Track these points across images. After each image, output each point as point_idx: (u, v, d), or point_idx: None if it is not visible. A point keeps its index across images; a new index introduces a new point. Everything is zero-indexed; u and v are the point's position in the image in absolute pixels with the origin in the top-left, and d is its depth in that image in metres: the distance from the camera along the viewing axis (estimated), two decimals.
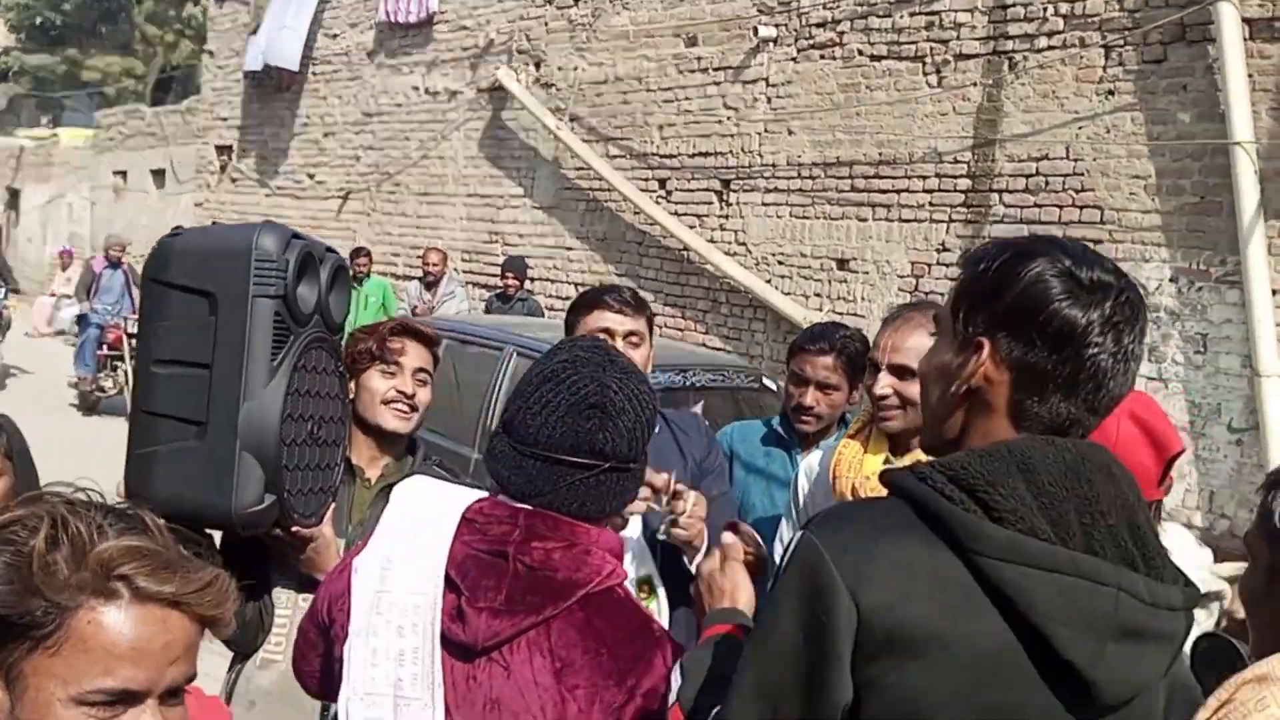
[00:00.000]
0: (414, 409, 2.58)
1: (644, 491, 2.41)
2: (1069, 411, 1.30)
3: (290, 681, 2.34)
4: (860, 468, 2.57)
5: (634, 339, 2.72)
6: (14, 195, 24.66)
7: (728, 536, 1.83)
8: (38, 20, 33.30)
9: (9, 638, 1.12)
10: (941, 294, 7.30)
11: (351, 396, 2.54)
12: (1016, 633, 1.21)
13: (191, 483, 2.05)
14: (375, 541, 1.76)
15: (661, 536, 2.59)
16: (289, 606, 2.43)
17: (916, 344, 2.53)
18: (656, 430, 2.75)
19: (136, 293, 11.31)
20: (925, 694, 1.21)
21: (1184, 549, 1.92)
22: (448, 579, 1.65)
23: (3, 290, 13.13)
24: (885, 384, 2.53)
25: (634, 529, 2.64)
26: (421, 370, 2.62)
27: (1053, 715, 1.23)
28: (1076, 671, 1.21)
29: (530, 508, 1.67)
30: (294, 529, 2.23)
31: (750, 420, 3.76)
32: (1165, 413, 1.96)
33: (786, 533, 2.93)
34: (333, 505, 2.38)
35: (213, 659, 2.52)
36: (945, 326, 1.39)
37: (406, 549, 1.70)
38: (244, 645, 2.42)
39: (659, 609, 2.69)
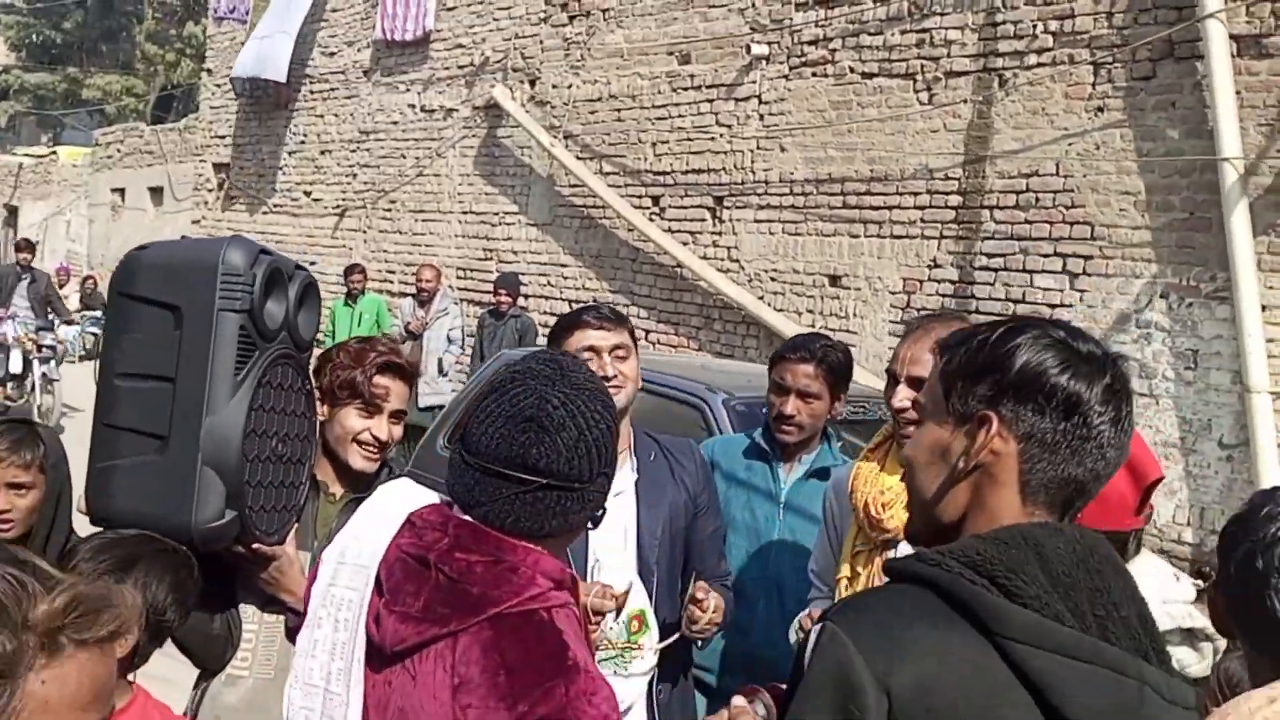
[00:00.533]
0: (384, 450, 2.53)
1: (595, 619, 2.35)
2: (1076, 478, 1.30)
3: (257, 696, 2.32)
4: (878, 482, 2.54)
5: (620, 352, 2.70)
6: (12, 213, 24.72)
7: (739, 701, 1.73)
8: (38, 39, 33.44)
9: None
10: (933, 310, 7.30)
11: (323, 419, 2.50)
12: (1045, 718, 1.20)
13: (151, 497, 2.04)
14: (340, 535, 1.76)
15: (679, 633, 2.61)
16: (255, 623, 2.41)
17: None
18: (651, 458, 2.76)
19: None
20: None
21: (1163, 583, 1.84)
22: (376, 579, 1.63)
23: (54, 321, 12.39)
24: (904, 396, 2.48)
25: (628, 565, 2.63)
26: (398, 412, 2.55)
27: None
28: None
29: (464, 518, 1.64)
30: (255, 546, 2.21)
31: (732, 435, 3.75)
32: (1143, 440, 1.92)
33: (818, 555, 2.92)
34: (296, 524, 2.36)
35: (182, 670, 2.51)
36: (932, 409, 1.38)
37: (360, 546, 1.69)
38: (211, 661, 2.39)
39: (649, 642, 2.67)
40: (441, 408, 8.61)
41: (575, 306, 2.98)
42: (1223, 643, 1.88)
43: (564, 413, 1.65)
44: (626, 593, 2.45)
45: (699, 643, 2.68)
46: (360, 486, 2.55)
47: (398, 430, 2.54)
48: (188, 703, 2.44)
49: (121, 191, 19.26)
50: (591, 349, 2.66)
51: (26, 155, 25.99)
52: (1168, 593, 1.83)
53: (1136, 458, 1.86)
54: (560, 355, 1.85)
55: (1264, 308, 5.79)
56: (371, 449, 2.49)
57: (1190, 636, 1.85)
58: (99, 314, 12.98)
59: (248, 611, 2.42)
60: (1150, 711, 1.20)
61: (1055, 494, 1.31)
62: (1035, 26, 6.83)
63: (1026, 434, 1.30)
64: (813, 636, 1.26)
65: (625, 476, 2.72)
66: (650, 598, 2.64)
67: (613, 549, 2.61)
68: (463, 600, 1.56)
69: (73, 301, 18.46)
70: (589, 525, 1.81)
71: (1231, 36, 5.89)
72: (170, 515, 2.02)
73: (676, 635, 2.61)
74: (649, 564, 2.65)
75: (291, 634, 2.38)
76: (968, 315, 7.05)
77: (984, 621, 1.20)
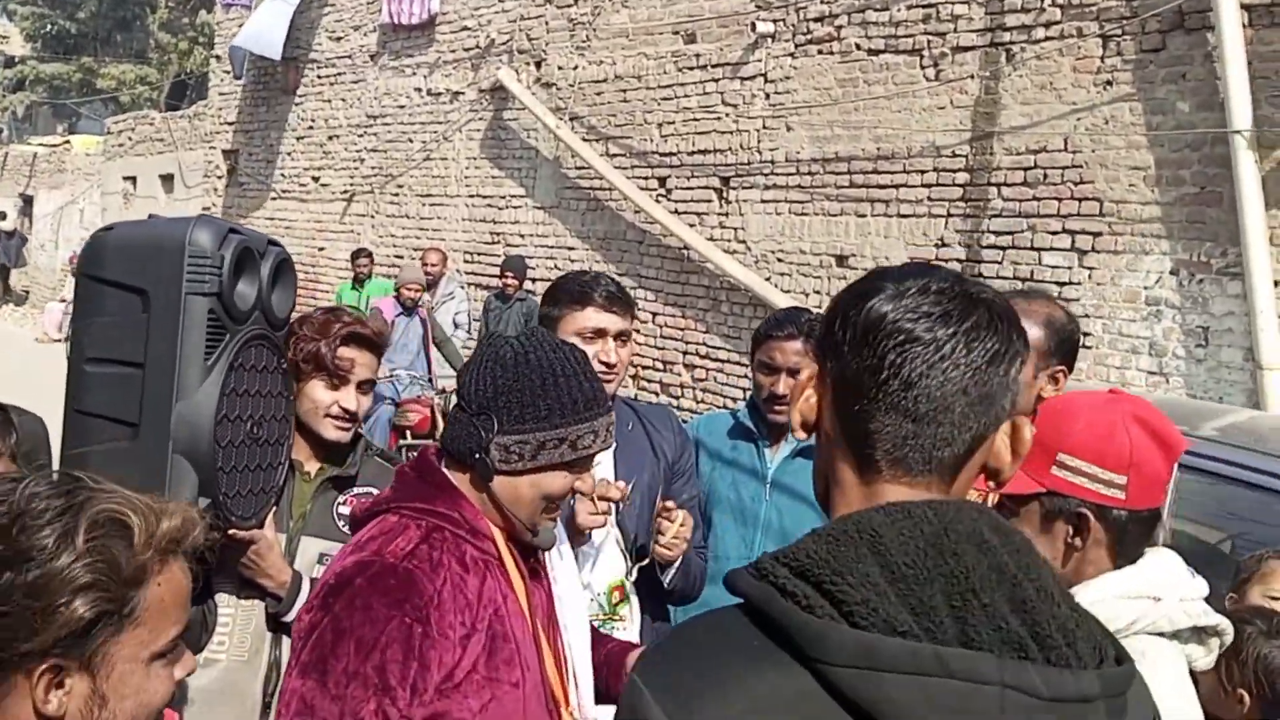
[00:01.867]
0: (355, 420, 2.51)
1: (603, 505, 2.38)
2: (890, 423, 1.11)
3: (230, 676, 2.32)
4: None
5: (623, 338, 2.66)
6: (27, 202, 24.83)
7: None
8: (53, 29, 33.51)
9: (100, 630, 1.23)
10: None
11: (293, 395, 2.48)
12: None
13: (123, 485, 2.00)
14: None
15: (646, 556, 2.57)
16: (231, 607, 2.39)
17: None
18: (629, 428, 2.72)
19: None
20: None
21: (1179, 580, 1.75)
22: None
23: None
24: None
25: (607, 535, 2.60)
26: (366, 382, 2.53)
27: None
28: None
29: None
30: (231, 532, 2.18)
31: (717, 412, 3.70)
32: (1161, 411, 1.82)
33: None
34: (275, 507, 2.33)
35: None
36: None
37: None
38: (190, 646, 2.37)
39: (631, 613, 2.64)
40: (446, 391, 8.59)
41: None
42: (1229, 636, 1.80)
43: (500, 349, 1.77)
44: (630, 489, 2.44)
45: (670, 575, 2.61)
46: (335, 459, 2.53)
47: (366, 400, 2.53)
48: None
49: (133, 180, 19.30)
50: (598, 331, 2.59)
51: (41, 145, 26.10)
52: (1184, 590, 1.75)
53: (1165, 432, 1.74)
54: (550, 335, 1.89)
55: (1276, 284, 5.69)
56: (342, 420, 2.47)
57: (1201, 633, 1.77)
58: None
59: (222, 598, 2.40)
60: (1013, 717, 0.98)
61: (883, 446, 1.12)
62: (1042, 0, 6.73)
63: (834, 378, 1.15)
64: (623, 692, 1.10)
65: (603, 457, 2.69)
66: (629, 567, 2.61)
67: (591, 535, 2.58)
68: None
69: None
70: (532, 533, 1.83)
71: (1242, 6, 5.77)
72: None
73: (647, 558, 2.58)
74: (629, 534, 2.61)
75: (271, 619, 2.36)
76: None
77: (800, 649, 1.00)
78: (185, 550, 1.32)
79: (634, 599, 2.66)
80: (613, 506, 2.61)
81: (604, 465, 2.68)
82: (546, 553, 1.96)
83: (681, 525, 2.54)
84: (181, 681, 2.38)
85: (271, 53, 13.53)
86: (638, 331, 9.29)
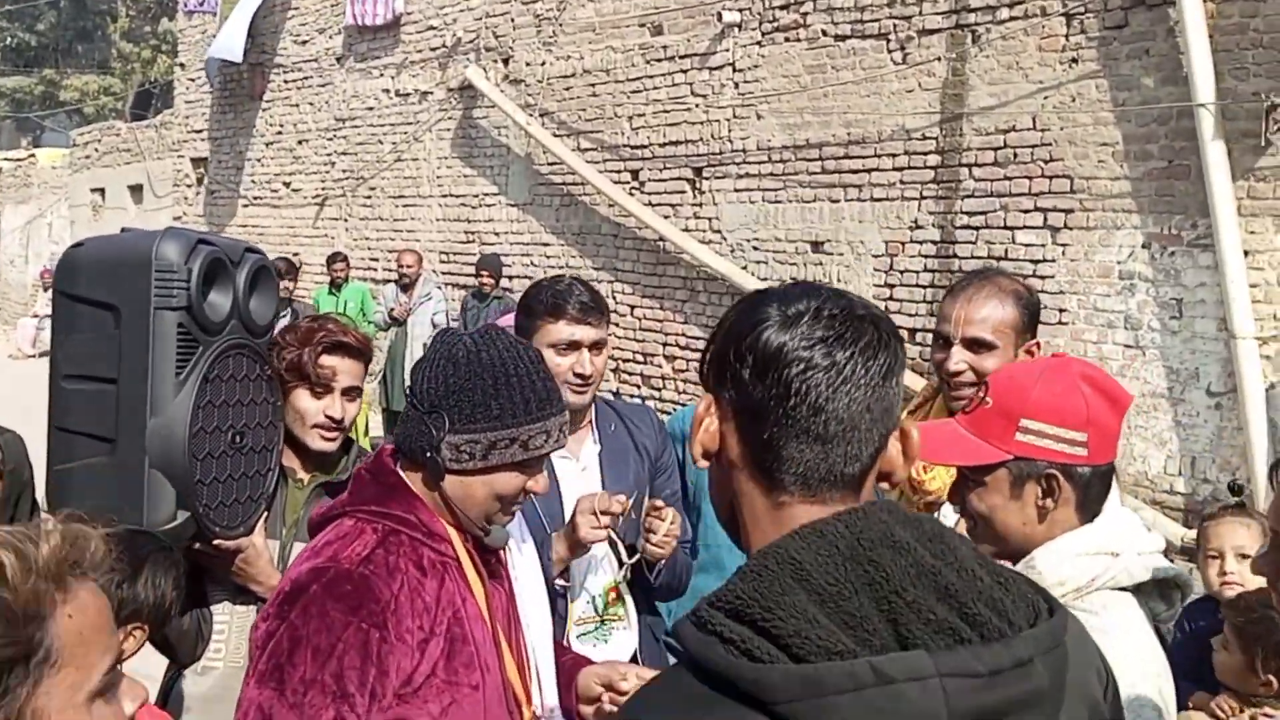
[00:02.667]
0: (342, 430, 2.51)
1: (604, 519, 2.38)
2: (799, 448, 1.14)
3: (228, 683, 2.32)
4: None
5: (599, 346, 2.63)
6: None
7: None
8: (12, 42, 33.21)
9: (13, 682, 1.09)
10: (916, 272, 7.27)
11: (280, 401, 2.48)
12: None
13: (105, 500, 2.00)
14: None
15: (636, 555, 2.58)
16: (227, 614, 2.41)
17: (991, 313, 2.44)
18: (612, 429, 2.73)
19: None
20: None
21: (1135, 536, 1.81)
22: None
23: None
24: (960, 359, 2.38)
25: (602, 548, 2.61)
26: (352, 388, 2.52)
27: None
28: None
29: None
30: (216, 543, 2.19)
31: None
32: (1103, 369, 1.88)
33: None
34: (266, 513, 2.34)
35: (150, 661, 2.49)
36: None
37: None
38: (183, 656, 2.39)
39: (627, 613, 2.66)
40: None
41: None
42: (1191, 588, 1.86)
43: (453, 346, 1.77)
44: (630, 501, 2.44)
45: (657, 571, 2.61)
46: (326, 468, 2.53)
47: (353, 408, 2.52)
48: (157, 692, 2.44)
49: (101, 191, 19.16)
50: (573, 344, 2.55)
51: (5, 159, 25.85)
52: (1141, 544, 1.80)
53: (1111, 388, 1.81)
54: (506, 333, 1.87)
55: (1246, 253, 5.75)
56: (328, 430, 2.47)
57: (1163, 585, 1.83)
58: None
59: (217, 606, 2.41)
60: (963, 701, 1.02)
61: (791, 469, 1.15)
62: None
63: (735, 408, 1.17)
64: None
65: (589, 450, 2.71)
66: (621, 568, 2.62)
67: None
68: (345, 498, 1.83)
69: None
70: (484, 533, 1.83)
71: None
72: (124, 518, 1.99)
73: (638, 556, 2.58)
74: (620, 536, 2.63)
75: None
76: (949, 275, 7.02)
77: (751, 695, 1.02)
78: (88, 570, 1.19)
79: (629, 599, 2.67)
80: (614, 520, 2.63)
81: (590, 466, 2.69)
82: (506, 551, 1.95)
83: (671, 524, 2.55)
84: (176, 690, 2.40)
85: (233, 56, 13.46)
86: (617, 325, 9.32)
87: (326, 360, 2.46)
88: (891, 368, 1.17)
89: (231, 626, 2.40)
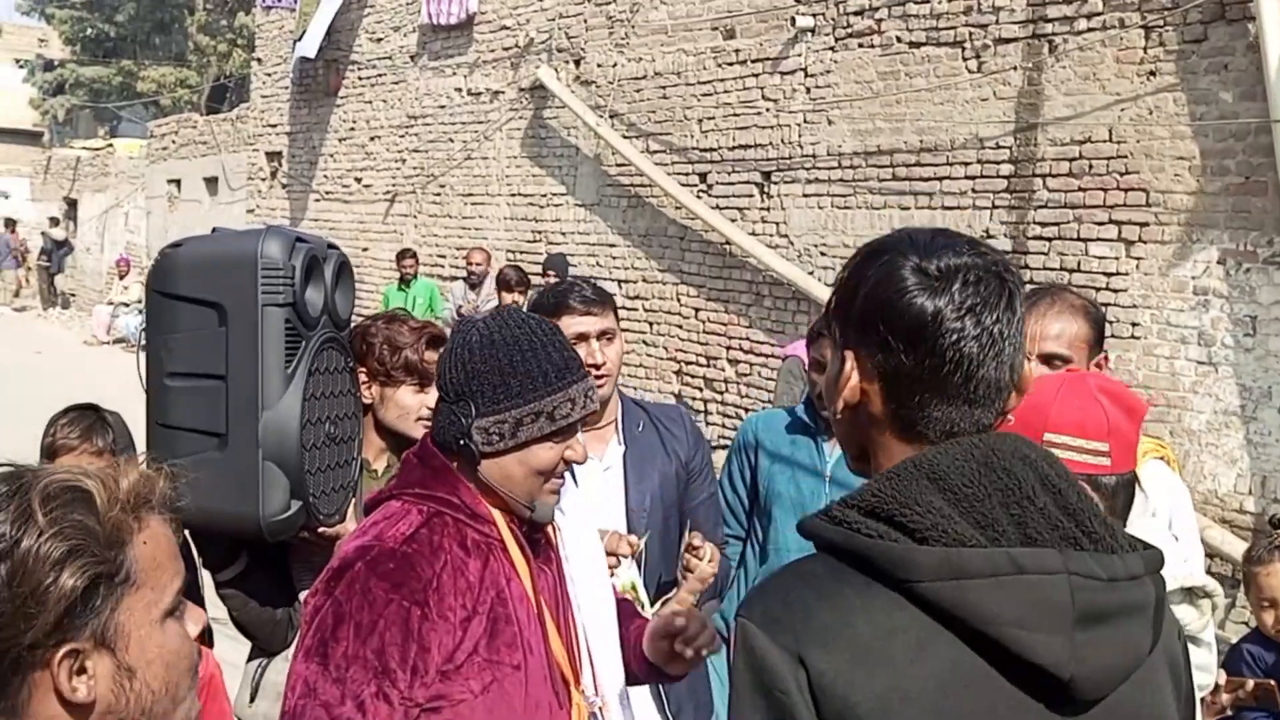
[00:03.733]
0: None
1: (611, 560, 2.38)
2: (947, 413, 1.22)
3: None
4: None
5: (607, 336, 2.67)
6: (71, 205, 25.19)
7: None
8: (92, 33, 33.91)
9: (101, 598, 1.18)
10: None
11: (369, 402, 2.55)
12: (979, 650, 1.12)
13: (216, 495, 2.06)
14: None
15: (672, 589, 2.59)
16: None
17: (1065, 328, 2.47)
18: (639, 429, 2.75)
19: None
20: None
21: (1161, 543, 1.85)
22: None
23: None
24: (1037, 375, 2.43)
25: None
26: None
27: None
28: (1049, 672, 1.12)
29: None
30: (320, 530, 2.26)
31: (773, 410, 3.76)
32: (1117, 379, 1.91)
33: None
34: (354, 499, 2.42)
35: (238, 648, 2.58)
36: (832, 339, 1.33)
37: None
38: (274, 644, 2.46)
39: (645, 614, 2.69)
40: None
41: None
42: (1220, 598, 1.90)
43: (467, 333, 1.82)
44: (645, 541, 2.47)
45: (699, 599, 2.62)
46: (400, 455, 2.62)
47: None
48: (243, 679, 2.51)
49: (177, 182, 19.54)
50: (580, 336, 2.60)
51: (84, 148, 26.45)
52: (1168, 553, 1.84)
53: (1128, 398, 1.86)
54: (518, 311, 1.92)
55: None
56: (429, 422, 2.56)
57: (1190, 595, 1.85)
58: None
59: (307, 594, 2.48)
60: (1086, 598, 1.13)
61: (934, 429, 1.22)
62: None
63: (882, 372, 1.23)
64: (732, 636, 1.22)
65: (613, 450, 2.72)
66: (640, 571, 2.62)
67: (605, 524, 2.60)
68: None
69: (134, 291, 18.81)
70: (530, 510, 1.85)
71: None
72: (239, 511, 2.06)
73: (675, 590, 2.60)
74: (644, 568, 2.63)
75: None
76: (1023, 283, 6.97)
77: (889, 573, 1.14)
78: (157, 506, 1.28)
79: (646, 601, 2.65)
80: (621, 510, 2.66)
81: (614, 467, 2.70)
82: (556, 532, 1.98)
83: (710, 562, 2.56)
84: (266, 679, 2.47)
85: (308, 53, 13.70)
86: (680, 327, 9.38)
87: (431, 355, 2.55)
88: (1022, 318, 1.25)
89: None
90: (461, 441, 1.79)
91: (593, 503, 2.52)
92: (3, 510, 1.17)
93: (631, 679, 2.08)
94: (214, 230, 2.41)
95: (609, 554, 2.36)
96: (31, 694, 1.16)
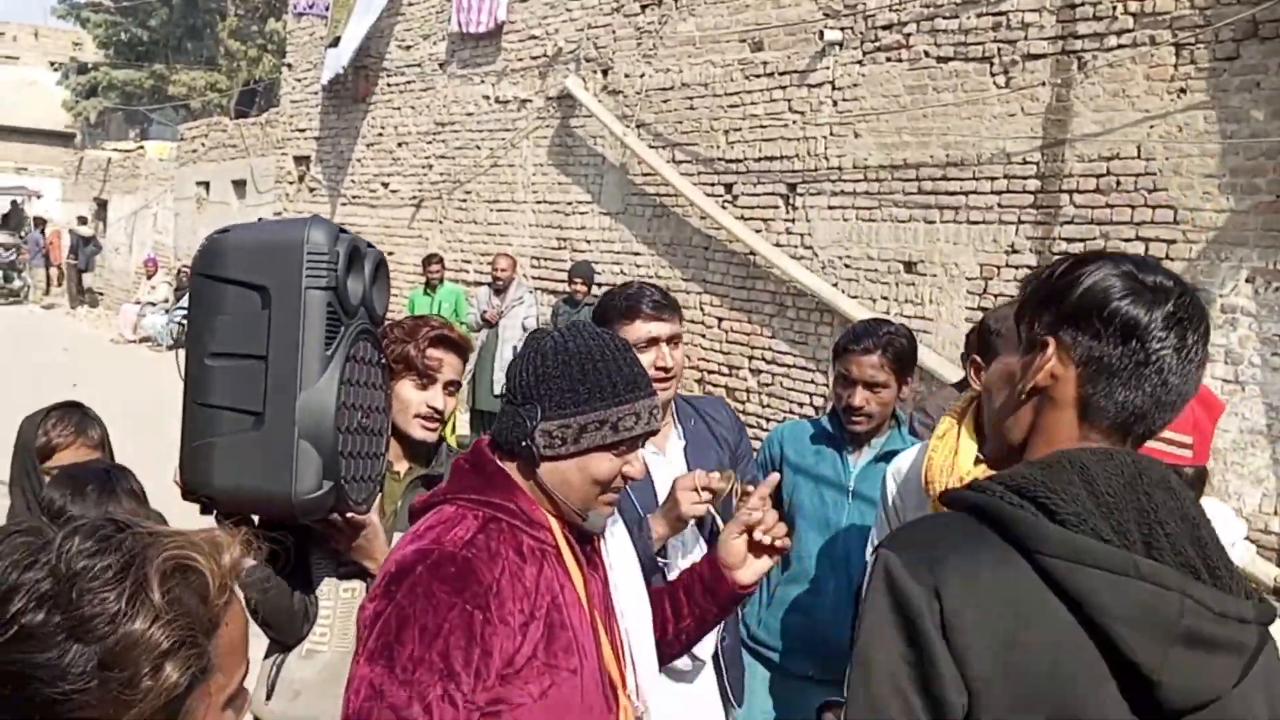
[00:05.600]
0: (442, 421, 2.61)
1: (705, 495, 2.44)
2: (1135, 404, 1.33)
3: (334, 670, 2.37)
4: (954, 470, 2.51)
5: (674, 341, 2.73)
6: (102, 206, 25.43)
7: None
8: (125, 36, 34.26)
9: (190, 690, 1.08)
10: (1010, 296, 7.22)
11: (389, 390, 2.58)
12: (1090, 633, 1.22)
13: (250, 472, 2.09)
14: None
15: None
16: (331, 597, 2.48)
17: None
18: (693, 424, 2.80)
19: None
20: (1007, 698, 1.22)
21: (1224, 521, 1.94)
22: None
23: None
24: None
25: (689, 530, 2.67)
26: (453, 382, 2.63)
27: (1125, 715, 1.24)
28: (1142, 673, 1.22)
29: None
30: (348, 515, 2.28)
31: (799, 420, 3.77)
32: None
33: (874, 537, 2.93)
34: (381, 494, 2.43)
35: (256, 643, 2.59)
36: (1010, 339, 1.44)
37: None
38: (290, 636, 2.46)
39: None
40: None
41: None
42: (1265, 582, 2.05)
43: (541, 340, 1.84)
44: (731, 476, 2.50)
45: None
46: (421, 459, 2.63)
47: (452, 401, 2.64)
48: (260, 675, 2.50)
49: (206, 185, 19.71)
50: (651, 340, 2.66)
51: (115, 150, 26.69)
52: (1231, 536, 1.94)
53: (1205, 394, 1.96)
54: (591, 325, 1.96)
55: None
56: (430, 420, 2.58)
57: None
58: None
59: (324, 588, 2.49)
60: (1193, 621, 1.22)
61: (1115, 418, 1.33)
62: (1115, 7, 6.71)
63: (1084, 359, 1.34)
64: (870, 566, 1.32)
65: (674, 444, 2.79)
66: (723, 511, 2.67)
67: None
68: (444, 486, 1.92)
69: (161, 291, 18.95)
70: (582, 518, 1.88)
71: None
72: (271, 489, 2.08)
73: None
74: (709, 521, 2.68)
75: None
76: None
77: (1022, 541, 1.24)
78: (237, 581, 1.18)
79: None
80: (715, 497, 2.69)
81: (675, 461, 2.76)
82: (603, 541, 2.01)
83: (765, 507, 2.59)
84: (284, 676, 2.47)
85: (340, 63, 13.83)
86: (703, 337, 9.39)
87: (433, 352, 2.57)
88: (1207, 349, 1.38)
89: (336, 611, 2.47)
90: (524, 443, 1.82)
91: (661, 498, 2.58)
92: (117, 583, 1.03)
93: (670, 650, 2.14)
94: (259, 220, 2.43)
95: (704, 489, 2.44)
96: None
